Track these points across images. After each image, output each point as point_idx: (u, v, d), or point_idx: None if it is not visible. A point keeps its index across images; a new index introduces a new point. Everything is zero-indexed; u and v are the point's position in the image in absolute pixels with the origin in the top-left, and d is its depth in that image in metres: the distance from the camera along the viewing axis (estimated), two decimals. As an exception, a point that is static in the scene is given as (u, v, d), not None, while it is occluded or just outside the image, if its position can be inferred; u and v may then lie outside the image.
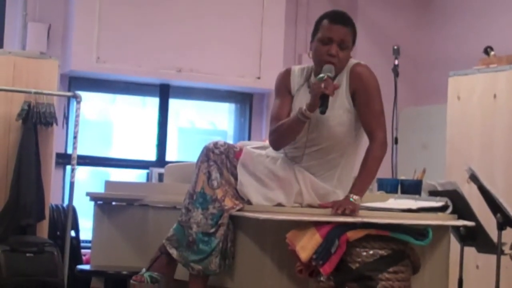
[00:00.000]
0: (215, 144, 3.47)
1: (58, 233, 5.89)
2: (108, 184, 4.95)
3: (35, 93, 5.53)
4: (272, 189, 3.44)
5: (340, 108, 3.45)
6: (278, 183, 3.45)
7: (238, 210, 3.44)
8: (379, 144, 3.44)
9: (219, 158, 3.44)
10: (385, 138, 3.45)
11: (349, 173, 3.55)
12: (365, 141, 3.53)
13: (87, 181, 7.26)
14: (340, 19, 3.46)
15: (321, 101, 3.32)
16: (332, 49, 3.40)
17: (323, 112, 3.34)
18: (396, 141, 5.24)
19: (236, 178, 3.45)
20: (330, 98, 3.35)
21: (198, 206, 3.42)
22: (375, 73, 3.58)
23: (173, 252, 3.49)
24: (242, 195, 3.47)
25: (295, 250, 3.21)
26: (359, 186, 3.39)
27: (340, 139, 3.46)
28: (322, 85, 3.29)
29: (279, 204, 3.45)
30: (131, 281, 3.64)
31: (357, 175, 3.44)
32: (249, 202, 3.47)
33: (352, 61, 3.51)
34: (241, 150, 3.50)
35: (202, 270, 3.43)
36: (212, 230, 3.40)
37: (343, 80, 3.47)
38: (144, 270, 3.59)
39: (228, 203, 3.41)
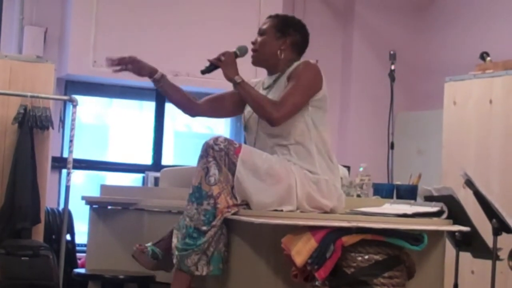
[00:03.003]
0: (215, 140, 3.47)
1: (53, 236, 5.88)
2: (104, 188, 4.94)
3: (31, 96, 5.53)
4: (271, 185, 3.45)
5: (278, 91, 3.64)
6: (276, 177, 3.47)
7: (233, 214, 3.44)
8: (274, 109, 3.52)
9: (219, 155, 3.45)
10: (282, 113, 3.52)
11: (314, 158, 3.58)
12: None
13: (83, 185, 7.25)
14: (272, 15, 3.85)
15: (211, 65, 3.69)
16: (254, 40, 3.80)
17: (202, 71, 3.73)
18: (392, 146, 5.26)
19: (233, 176, 3.46)
20: (276, 83, 3.69)
21: (194, 201, 3.43)
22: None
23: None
24: (238, 193, 3.45)
25: (290, 255, 3.22)
26: (246, 83, 3.63)
27: (283, 125, 3.57)
28: (222, 57, 3.67)
29: (280, 201, 3.46)
30: (134, 247, 3.64)
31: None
32: (246, 205, 3.47)
33: (305, 59, 3.72)
34: (240, 145, 3.52)
35: (178, 261, 3.43)
36: (204, 228, 3.40)
37: (290, 70, 3.68)
38: (150, 243, 3.62)
39: (222, 201, 3.41)
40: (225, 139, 3.50)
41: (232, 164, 3.45)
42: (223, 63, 3.68)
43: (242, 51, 3.76)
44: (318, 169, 3.58)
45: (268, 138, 3.65)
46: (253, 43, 3.78)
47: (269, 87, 3.76)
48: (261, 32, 3.78)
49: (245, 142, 3.77)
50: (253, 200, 3.44)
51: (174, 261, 3.46)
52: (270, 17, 3.84)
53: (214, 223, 3.41)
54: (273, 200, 3.46)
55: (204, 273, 3.43)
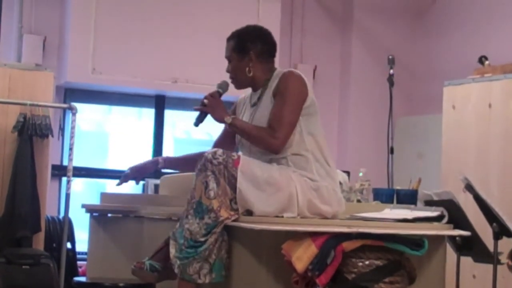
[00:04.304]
0: (214, 154, 3.46)
1: (54, 245, 5.88)
2: (104, 196, 4.94)
3: (31, 105, 5.53)
4: (271, 194, 3.45)
5: (265, 109, 3.64)
6: (276, 186, 3.46)
7: (234, 221, 3.44)
8: (272, 137, 3.52)
9: (217, 168, 3.43)
10: (281, 139, 3.53)
11: (311, 166, 3.58)
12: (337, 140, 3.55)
13: (83, 193, 7.25)
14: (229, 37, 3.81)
15: (201, 114, 3.68)
16: (227, 68, 3.79)
17: (194, 124, 3.73)
18: (391, 150, 5.26)
19: (232, 188, 3.45)
20: (262, 100, 3.67)
21: (196, 215, 3.42)
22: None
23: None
24: (240, 205, 3.45)
25: (291, 261, 3.21)
26: (238, 120, 3.63)
27: None
28: (205, 101, 3.65)
29: (281, 209, 3.46)
30: (132, 266, 3.65)
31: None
32: (248, 213, 3.47)
33: (288, 69, 3.73)
34: (239, 157, 3.51)
35: (180, 270, 3.42)
36: (203, 239, 3.40)
37: (273, 84, 3.67)
38: (146, 258, 3.63)
39: (223, 213, 3.41)
40: (223, 152, 3.49)
41: (232, 176, 3.44)
42: (209, 108, 3.66)
43: (223, 87, 3.75)
44: (317, 176, 3.58)
45: (262, 154, 3.63)
46: (228, 71, 3.79)
47: (255, 104, 3.76)
48: (228, 59, 3.78)
49: None
50: (255, 210, 3.44)
51: (176, 270, 3.45)
52: (227, 41, 3.80)
53: (214, 230, 3.41)
54: (274, 208, 3.46)
55: (207, 281, 3.43)
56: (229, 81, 3.80)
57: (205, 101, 3.66)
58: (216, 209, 3.40)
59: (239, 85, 3.79)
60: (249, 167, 3.47)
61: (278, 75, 3.70)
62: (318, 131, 3.67)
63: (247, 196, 3.43)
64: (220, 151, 3.48)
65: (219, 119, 3.63)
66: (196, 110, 3.71)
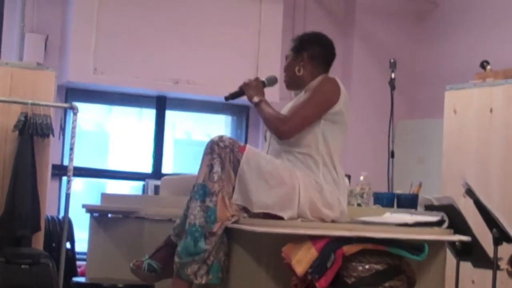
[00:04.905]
0: (220, 138, 3.51)
1: (53, 244, 5.88)
2: (105, 196, 4.94)
3: (32, 104, 5.53)
4: (273, 186, 3.46)
5: (294, 103, 3.71)
6: (279, 179, 3.48)
7: (234, 223, 3.44)
8: (283, 122, 3.60)
9: (224, 152, 3.47)
10: (290, 126, 3.59)
11: (319, 169, 3.61)
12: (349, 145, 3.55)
13: (83, 193, 7.25)
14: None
15: (239, 90, 3.81)
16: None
17: (225, 97, 3.86)
18: (392, 154, 5.25)
19: (236, 174, 3.47)
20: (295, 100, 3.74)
21: (198, 198, 3.43)
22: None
23: (174, 238, 3.55)
24: (239, 192, 3.45)
25: (290, 264, 3.21)
26: (264, 102, 3.70)
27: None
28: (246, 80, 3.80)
29: (281, 204, 3.46)
30: (131, 264, 3.65)
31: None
32: (245, 210, 3.47)
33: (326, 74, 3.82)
34: (245, 145, 3.54)
35: (178, 269, 3.43)
36: (208, 229, 3.39)
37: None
38: (146, 256, 3.63)
39: (219, 201, 3.41)
40: (230, 137, 3.55)
41: (237, 161, 3.47)
42: (245, 85, 3.79)
43: (270, 81, 3.86)
44: (322, 180, 3.58)
45: (277, 144, 3.69)
46: (284, 69, 3.89)
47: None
48: (286, 58, 3.89)
49: None
50: (253, 199, 3.44)
51: (174, 267, 3.46)
52: (291, 41, 3.91)
53: (215, 230, 3.41)
54: (273, 201, 3.45)
55: (203, 282, 3.43)
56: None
57: (247, 80, 3.79)
58: (216, 193, 3.41)
59: (288, 83, 3.86)
60: (255, 156, 3.50)
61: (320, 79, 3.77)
62: (335, 140, 3.71)
63: (247, 181, 3.45)
64: (226, 136, 3.54)
65: (249, 98, 3.76)
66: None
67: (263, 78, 3.85)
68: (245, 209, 3.49)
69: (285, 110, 3.72)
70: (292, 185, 3.49)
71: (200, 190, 3.44)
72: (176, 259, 3.44)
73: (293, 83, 3.83)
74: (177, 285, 3.48)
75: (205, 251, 3.40)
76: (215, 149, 3.47)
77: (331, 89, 3.67)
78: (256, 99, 3.71)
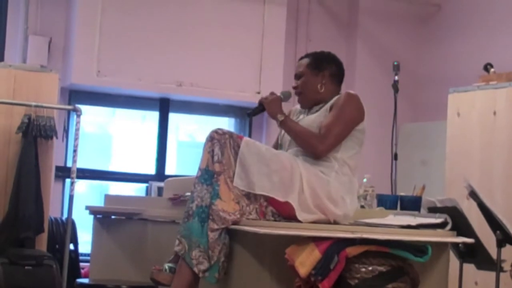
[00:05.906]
0: (219, 128, 3.59)
1: (57, 246, 5.89)
2: (108, 198, 4.94)
3: (36, 106, 5.54)
4: (274, 170, 3.50)
5: (316, 117, 3.76)
6: (281, 164, 3.52)
7: (236, 224, 3.45)
8: (320, 142, 3.64)
9: (223, 138, 3.54)
10: (327, 145, 3.64)
11: (333, 169, 3.65)
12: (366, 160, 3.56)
13: (86, 194, 7.25)
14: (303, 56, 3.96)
15: (258, 106, 3.82)
16: (294, 84, 3.92)
17: (248, 114, 3.93)
18: (395, 157, 5.25)
19: (236, 159, 3.52)
20: (315, 111, 3.79)
21: (203, 182, 3.49)
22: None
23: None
24: (239, 175, 3.49)
25: (294, 266, 3.21)
26: (289, 119, 3.76)
27: None
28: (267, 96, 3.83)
29: (283, 189, 3.49)
30: (152, 269, 3.65)
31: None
32: (247, 196, 3.49)
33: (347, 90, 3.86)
34: (243, 136, 3.63)
35: (185, 248, 3.44)
36: (212, 204, 3.43)
37: (332, 101, 3.79)
38: (165, 263, 3.64)
39: (221, 182, 3.46)
40: (229, 130, 3.62)
41: (237, 146, 3.54)
42: (266, 102, 3.80)
43: (285, 95, 3.88)
44: (333, 176, 3.63)
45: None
46: (294, 87, 3.90)
47: (307, 113, 3.88)
48: (298, 76, 3.90)
49: None
50: (254, 180, 3.49)
51: (179, 248, 3.46)
52: (301, 59, 3.95)
53: (216, 226, 3.43)
54: (274, 184, 3.49)
55: (200, 275, 3.47)
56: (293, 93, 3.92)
57: (268, 96, 3.82)
58: (218, 173, 3.47)
59: (306, 101, 3.89)
60: (255, 143, 3.58)
61: (340, 95, 3.82)
62: (353, 150, 3.73)
63: (248, 164, 3.49)
64: (225, 128, 3.61)
65: (272, 115, 3.77)
66: (259, 102, 3.84)
67: (278, 94, 3.86)
68: (247, 196, 3.51)
69: (306, 123, 3.75)
70: (293, 171, 3.54)
71: (204, 174, 3.51)
72: (183, 240, 3.46)
73: (312, 100, 3.86)
74: (181, 269, 3.49)
75: (206, 242, 3.42)
76: (215, 136, 3.55)
77: (358, 107, 3.76)
78: (280, 117, 3.75)
